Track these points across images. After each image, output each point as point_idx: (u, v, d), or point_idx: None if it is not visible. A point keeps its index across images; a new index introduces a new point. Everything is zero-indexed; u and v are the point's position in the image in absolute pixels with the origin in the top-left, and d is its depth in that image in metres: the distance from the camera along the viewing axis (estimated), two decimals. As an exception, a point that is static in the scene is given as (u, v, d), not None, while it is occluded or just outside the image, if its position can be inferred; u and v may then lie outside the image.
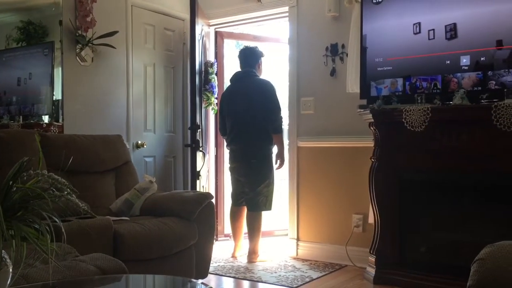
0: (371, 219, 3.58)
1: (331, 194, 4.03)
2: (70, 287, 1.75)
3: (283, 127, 4.16)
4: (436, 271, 3.15)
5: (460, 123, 3.07)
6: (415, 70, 3.24)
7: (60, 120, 3.71)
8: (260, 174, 4.07)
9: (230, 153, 4.26)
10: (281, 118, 4.10)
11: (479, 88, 2.99)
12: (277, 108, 4.07)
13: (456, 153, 3.10)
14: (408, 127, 3.14)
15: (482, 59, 2.99)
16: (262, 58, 4.32)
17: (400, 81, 3.30)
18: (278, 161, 4.15)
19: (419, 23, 3.22)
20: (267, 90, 4.09)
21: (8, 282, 1.22)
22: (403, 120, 3.15)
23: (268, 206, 4.13)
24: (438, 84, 3.15)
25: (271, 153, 4.16)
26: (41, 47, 3.81)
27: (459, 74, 3.07)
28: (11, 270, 1.22)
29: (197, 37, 4.42)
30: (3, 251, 1.19)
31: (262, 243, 4.22)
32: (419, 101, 3.15)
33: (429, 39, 3.18)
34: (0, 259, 1.16)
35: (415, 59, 3.24)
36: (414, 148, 3.25)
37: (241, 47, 4.40)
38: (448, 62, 3.11)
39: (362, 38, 3.48)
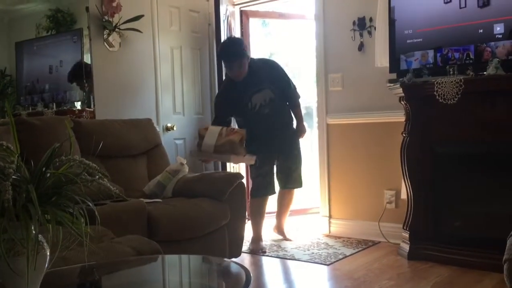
0: (403, 195, 3.54)
1: (362, 170, 3.99)
2: (108, 268, 1.80)
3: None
4: (471, 245, 3.10)
5: (494, 93, 2.98)
6: (447, 40, 3.14)
7: (92, 105, 3.78)
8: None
9: None
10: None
11: (515, 56, 2.89)
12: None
13: (491, 125, 3.02)
14: (440, 100, 3.06)
15: (517, 26, 2.88)
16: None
17: (431, 53, 3.21)
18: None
19: (450, -9, 3.11)
20: None
21: (46, 265, 1.26)
22: (435, 93, 3.08)
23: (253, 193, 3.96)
24: (470, 54, 3.05)
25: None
26: (70, 34, 3.87)
27: (492, 43, 2.96)
28: (48, 253, 1.26)
29: (222, 17, 4.40)
30: (40, 235, 1.23)
31: (294, 221, 4.23)
32: (451, 72, 3.06)
33: (460, 7, 3.07)
34: (36, 243, 1.20)
35: (446, 29, 3.14)
36: (446, 121, 3.18)
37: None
38: (481, 31, 3.00)
39: (390, 10, 3.39)
